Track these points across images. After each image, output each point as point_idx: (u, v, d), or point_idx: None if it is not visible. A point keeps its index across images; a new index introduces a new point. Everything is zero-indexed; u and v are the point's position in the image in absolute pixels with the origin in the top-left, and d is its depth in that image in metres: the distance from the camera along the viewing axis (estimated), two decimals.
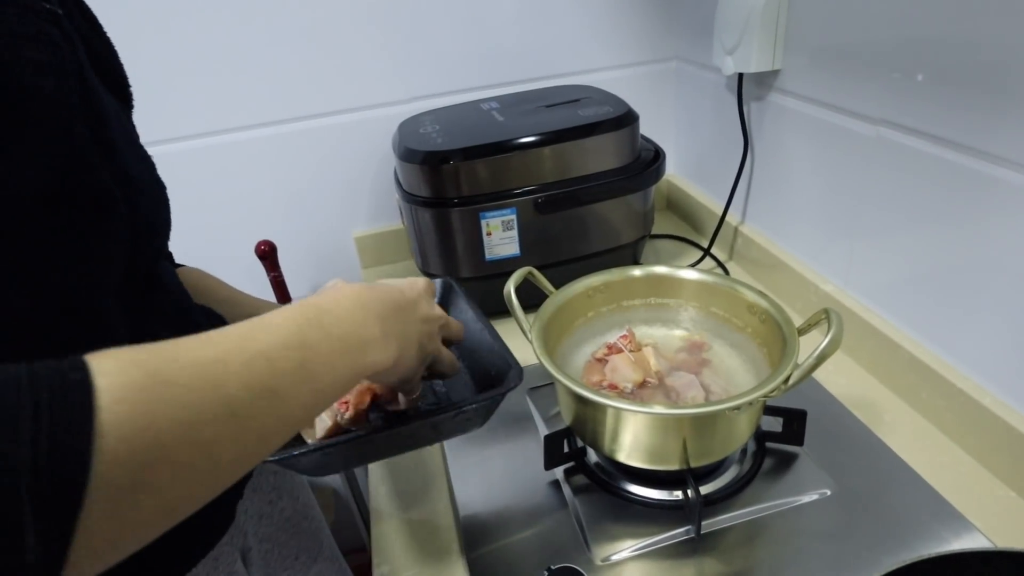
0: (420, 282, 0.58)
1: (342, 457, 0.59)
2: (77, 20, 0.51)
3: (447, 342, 0.61)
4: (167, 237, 0.59)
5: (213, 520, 0.63)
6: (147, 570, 0.52)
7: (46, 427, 0.26)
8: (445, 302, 0.76)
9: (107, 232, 0.46)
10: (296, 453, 0.51)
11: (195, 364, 0.34)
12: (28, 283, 0.40)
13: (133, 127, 0.61)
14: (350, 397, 0.61)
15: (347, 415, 0.61)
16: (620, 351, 0.76)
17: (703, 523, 0.67)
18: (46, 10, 0.41)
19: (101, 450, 0.28)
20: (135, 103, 0.60)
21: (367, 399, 0.62)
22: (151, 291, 0.55)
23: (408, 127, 1.08)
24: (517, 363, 0.61)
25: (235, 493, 0.67)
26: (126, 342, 0.37)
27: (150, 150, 0.58)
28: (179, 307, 0.60)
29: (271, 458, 0.48)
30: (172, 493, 0.32)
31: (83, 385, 0.28)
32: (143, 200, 0.51)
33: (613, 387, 0.73)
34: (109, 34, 0.55)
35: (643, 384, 0.73)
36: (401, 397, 0.61)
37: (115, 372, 0.30)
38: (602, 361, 0.77)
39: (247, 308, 0.62)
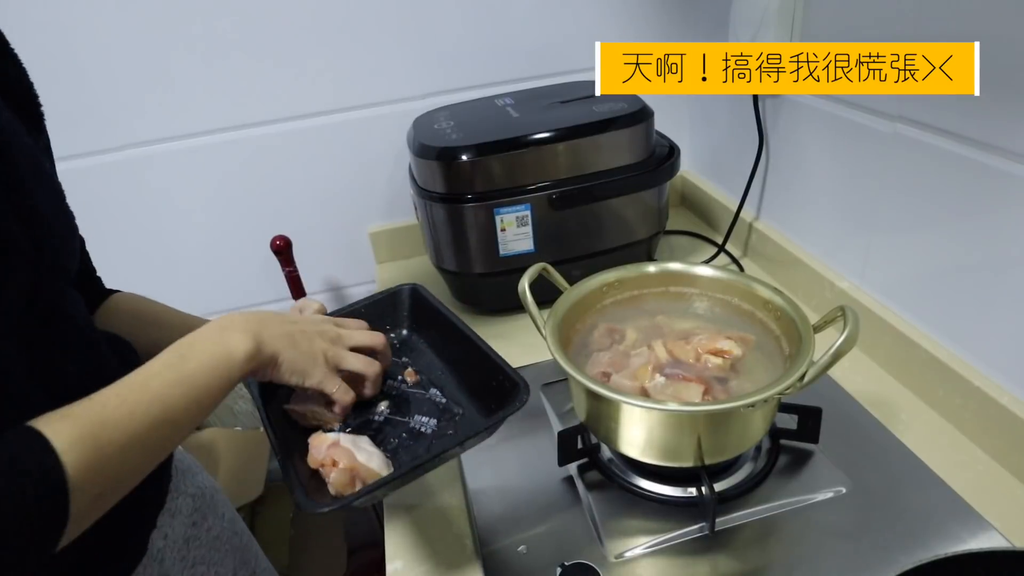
0: (310, 304, 0.72)
1: (385, 492, 0.64)
2: None
3: (369, 352, 0.70)
4: (75, 269, 0.57)
5: (124, 552, 0.61)
6: None
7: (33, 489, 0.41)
8: (415, 310, 0.81)
9: (5, 274, 0.45)
10: (337, 506, 0.56)
11: (118, 422, 0.47)
12: None
13: (44, 153, 0.58)
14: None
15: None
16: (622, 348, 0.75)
17: (717, 520, 0.67)
18: None
19: (73, 490, 0.43)
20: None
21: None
22: (54, 323, 0.54)
23: (423, 123, 1.08)
24: (523, 379, 0.65)
25: (147, 524, 0.64)
26: (25, 380, 0.49)
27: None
28: (84, 337, 0.59)
29: (323, 508, 0.54)
30: (118, 495, 0.48)
31: (57, 468, 0.42)
32: (50, 236, 0.50)
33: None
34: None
35: (643, 391, 0.70)
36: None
37: (71, 447, 0.43)
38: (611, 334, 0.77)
39: (181, 329, 0.59)
